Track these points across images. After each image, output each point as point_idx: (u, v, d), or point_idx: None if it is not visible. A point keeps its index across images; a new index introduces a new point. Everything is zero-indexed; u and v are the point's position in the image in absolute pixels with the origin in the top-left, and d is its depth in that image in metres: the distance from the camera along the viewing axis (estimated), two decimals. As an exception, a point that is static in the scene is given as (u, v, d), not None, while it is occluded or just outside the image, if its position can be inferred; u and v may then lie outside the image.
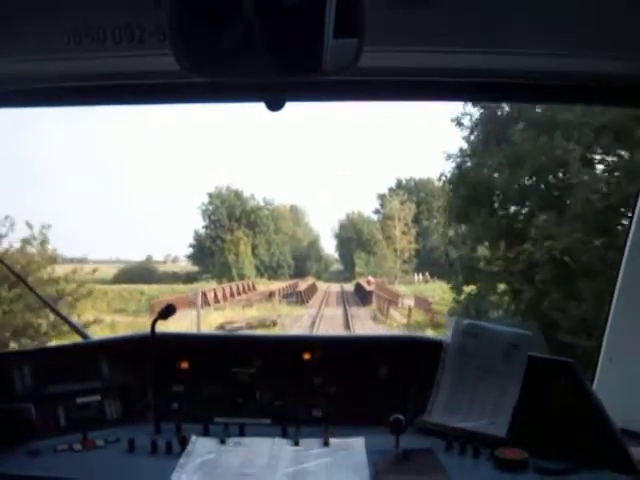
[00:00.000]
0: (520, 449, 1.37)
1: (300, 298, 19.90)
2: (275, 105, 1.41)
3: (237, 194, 33.00)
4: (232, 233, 30.75)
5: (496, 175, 10.42)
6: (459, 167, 11.20)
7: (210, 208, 32.52)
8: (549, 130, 9.03)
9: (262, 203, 34.13)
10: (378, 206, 33.99)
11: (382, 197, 33.40)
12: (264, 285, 26.21)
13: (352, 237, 33.37)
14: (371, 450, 1.43)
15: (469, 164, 11.14)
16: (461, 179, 10.99)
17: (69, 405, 1.59)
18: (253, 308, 19.07)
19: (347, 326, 15.11)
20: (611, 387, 1.64)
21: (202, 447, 1.45)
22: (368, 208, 34.74)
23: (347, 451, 1.44)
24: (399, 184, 33.12)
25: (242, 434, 1.52)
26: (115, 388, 1.66)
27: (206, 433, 1.52)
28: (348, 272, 32.76)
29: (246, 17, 1.04)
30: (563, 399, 1.42)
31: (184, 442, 1.45)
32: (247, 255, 30.31)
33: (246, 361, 1.72)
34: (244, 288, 23.96)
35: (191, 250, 32.58)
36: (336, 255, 36.70)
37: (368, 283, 23.25)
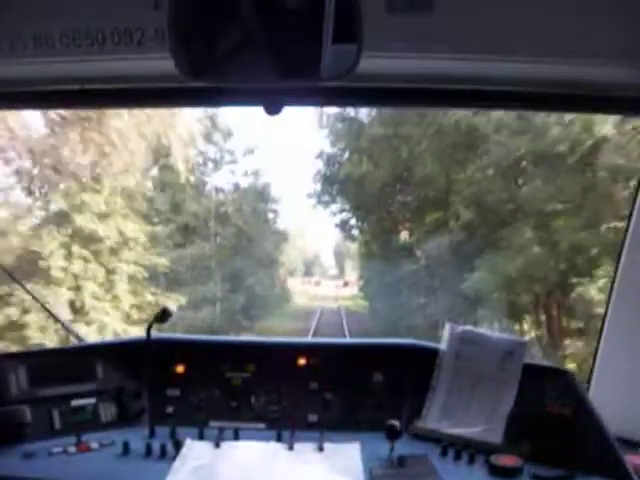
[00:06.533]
0: (515, 456, 1.37)
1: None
2: (273, 109, 1.41)
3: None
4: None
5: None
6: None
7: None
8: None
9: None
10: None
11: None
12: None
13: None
14: (366, 456, 1.43)
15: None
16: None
17: (64, 408, 1.58)
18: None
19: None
20: (606, 395, 1.64)
21: (196, 451, 1.44)
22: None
23: (342, 456, 1.43)
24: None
25: (237, 438, 1.52)
26: (110, 391, 1.65)
27: (201, 437, 1.52)
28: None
29: (245, 22, 1.04)
30: (558, 406, 1.42)
31: (178, 446, 1.45)
32: (280, 262, 42.26)
33: (242, 365, 1.71)
34: (281, 281, 38.59)
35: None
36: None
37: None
